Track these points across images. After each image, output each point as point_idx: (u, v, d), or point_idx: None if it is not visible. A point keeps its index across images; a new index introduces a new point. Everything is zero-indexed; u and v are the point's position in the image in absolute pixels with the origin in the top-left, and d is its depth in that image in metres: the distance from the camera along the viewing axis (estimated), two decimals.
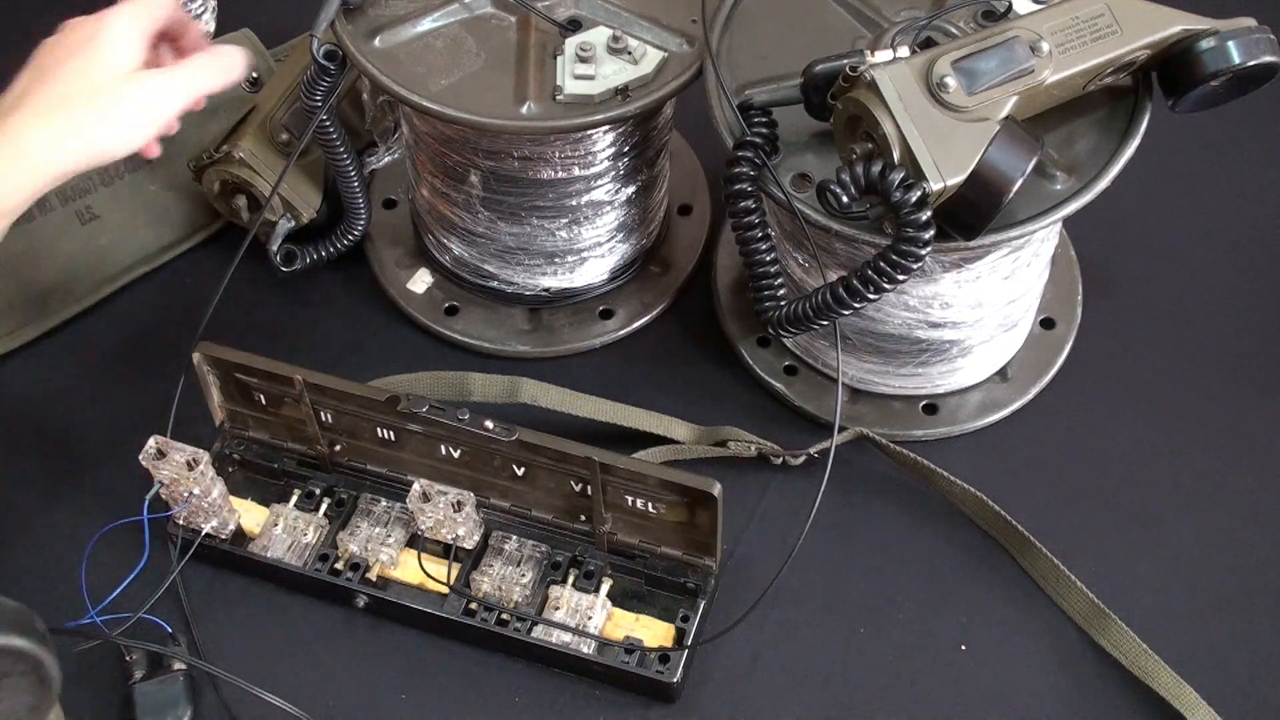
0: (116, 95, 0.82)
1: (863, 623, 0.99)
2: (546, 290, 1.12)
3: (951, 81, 0.84)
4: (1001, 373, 1.10)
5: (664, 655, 0.95)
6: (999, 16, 0.93)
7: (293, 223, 1.09)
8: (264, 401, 1.03)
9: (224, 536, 1.01)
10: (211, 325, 1.05)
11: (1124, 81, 0.92)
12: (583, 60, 0.96)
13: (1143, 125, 0.92)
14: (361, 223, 1.11)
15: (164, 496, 1.00)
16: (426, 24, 0.99)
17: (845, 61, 0.86)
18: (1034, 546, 0.99)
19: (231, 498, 1.01)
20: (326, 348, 1.13)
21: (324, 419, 1.01)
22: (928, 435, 1.07)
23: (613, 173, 1.05)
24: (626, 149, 1.04)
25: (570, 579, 0.99)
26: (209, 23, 1.28)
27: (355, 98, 1.23)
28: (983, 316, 1.01)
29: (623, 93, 0.96)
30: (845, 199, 0.85)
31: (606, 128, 1.00)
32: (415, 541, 1.00)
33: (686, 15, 1.00)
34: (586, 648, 0.95)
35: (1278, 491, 1.04)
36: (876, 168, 0.83)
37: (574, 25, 0.99)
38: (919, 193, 0.83)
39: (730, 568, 1.00)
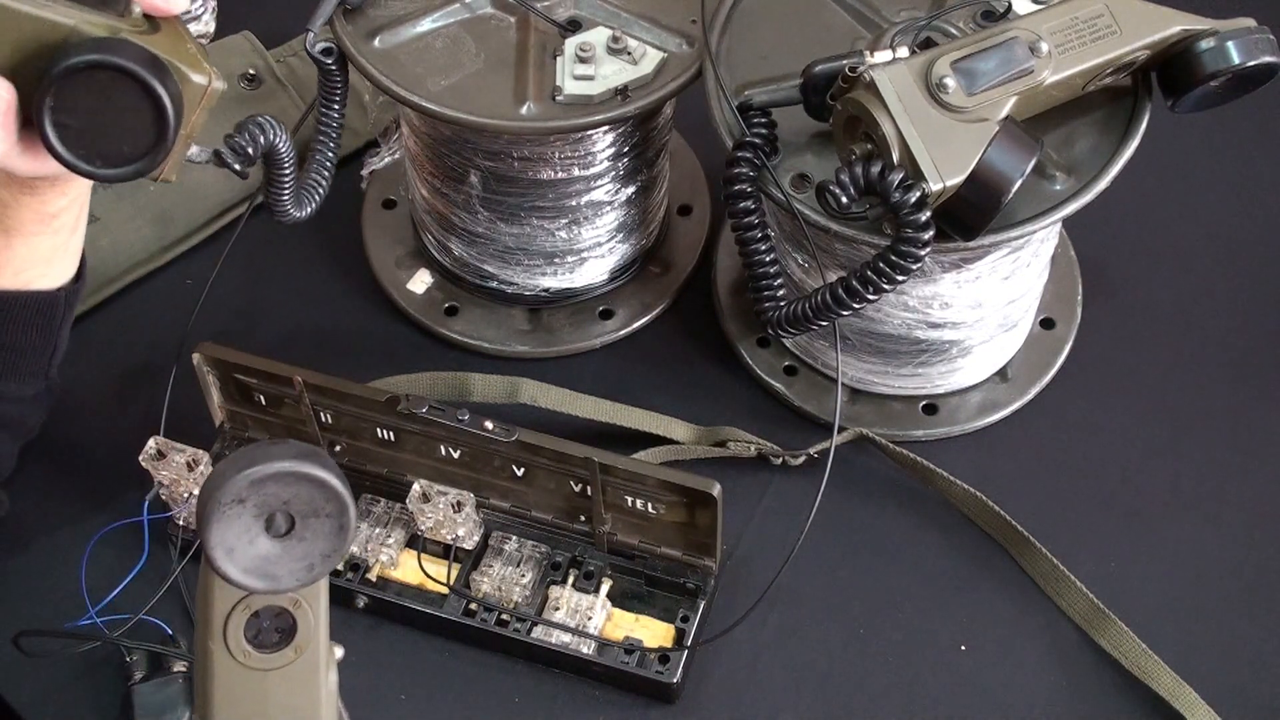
0: None
1: (863, 623, 0.99)
2: (546, 290, 1.12)
3: (951, 82, 0.84)
4: (1001, 373, 1.09)
5: (664, 655, 0.95)
6: (998, 17, 0.93)
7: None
8: (264, 402, 1.03)
9: None
10: (211, 326, 1.05)
11: (1124, 82, 0.92)
12: (582, 60, 0.96)
13: (1142, 125, 0.92)
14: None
15: (164, 497, 1.00)
16: (426, 24, 0.99)
17: (845, 62, 0.86)
18: (1034, 546, 0.99)
19: None
20: (326, 348, 1.13)
21: (324, 419, 1.01)
22: (928, 435, 1.07)
23: (612, 173, 1.05)
24: (626, 149, 1.04)
25: (570, 579, 0.99)
26: (209, 23, 1.28)
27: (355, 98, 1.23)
28: (982, 317, 1.01)
29: (622, 93, 0.96)
30: (844, 199, 0.85)
31: (606, 128, 1.00)
32: (415, 542, 1.00)
33: (686, 15, 1.00)
34: (586, 648, 0.95)
35: (1278, 491, 1.04)
36: (876, 168, 0.83)
37: (574, 25, 0.99)
38: (918, 193, 0.83)
39: (730, 568, 1.00)
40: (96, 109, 0.73)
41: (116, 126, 0.74)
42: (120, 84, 0.73)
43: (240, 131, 0.83)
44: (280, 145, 0.85)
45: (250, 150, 0.82)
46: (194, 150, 0.80)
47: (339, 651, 0.71)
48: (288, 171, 0.88)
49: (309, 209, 0.95)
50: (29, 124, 0.75)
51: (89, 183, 0.86)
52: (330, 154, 0.99)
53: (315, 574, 0.65)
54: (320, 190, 0.97)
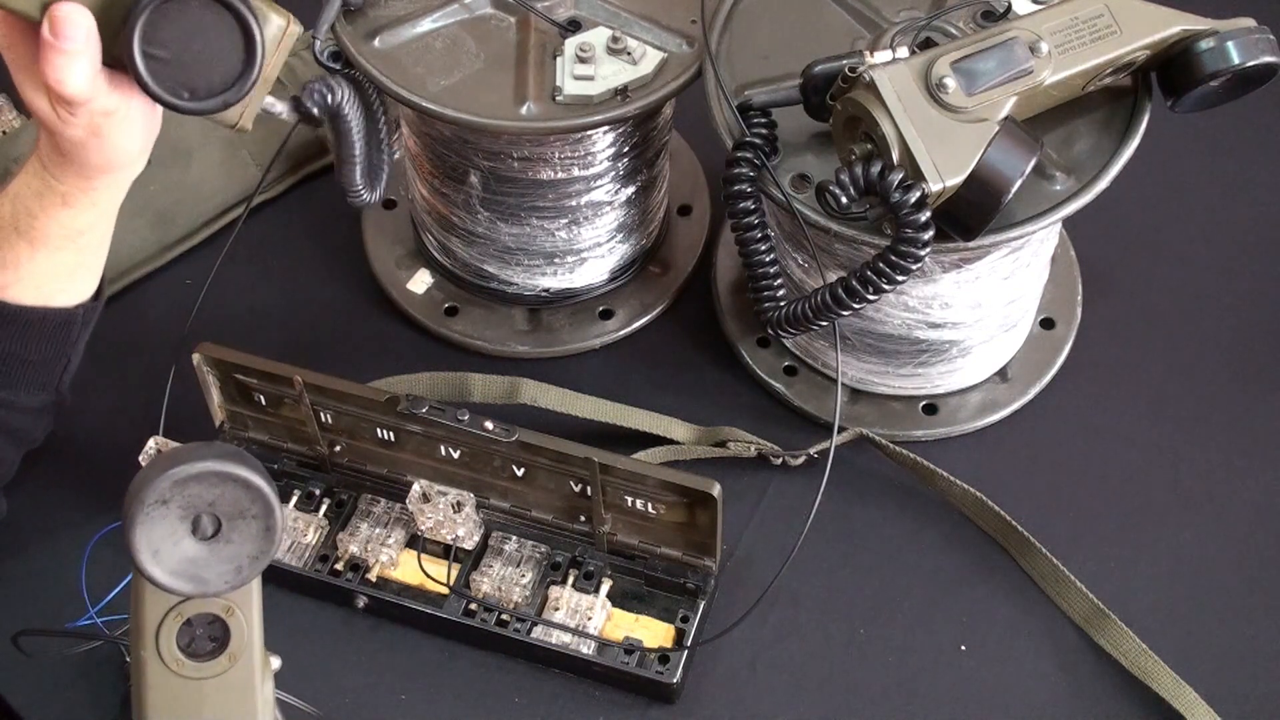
0: None
1: (863, 623, 0.99)
2: (546, 291, 1.13)
3: (951, 82, 0.84)
4: (1001, 373, 1.09)
5: (664, 656, 0.95)
6: (998, 17, 0.93)
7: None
8: (264, 402, 1.03)
9: None
10: (211, 326, 1.05)
11: (1124, 82, 0.92)
12: (582, 61, 0.96)
13: (1142, 125, 0.92)
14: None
15: None
16: (426, 25, 0.99)
17: (844, 62, 0.86)
18: (1034, 546, 0.99)
19: None
20: (326, 348, 1.13)
21: (324, 419, 1.01)
22: (927, 435, 1.07)
23: (612, 173, 1.05)
24: (626, 149, 1.04)
25: (570, 579, 0.99)
26: None
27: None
28: (982, 317, 1.01)
29: (622, 93, 0.96)
30: (844, 200, 0.85)
31: (606, 128, 1.00)
32: (415, 542, 1.00)
33: (686, 15, 1.00)
34: (586, 648, 0.95)
35: (1278, 491, 1.04)
36: (875, 168, 0.83)
37: (574, 26, 0.99)
38: (918, 193, 0.83)
39: (730, 568, 1.00)
40: (185, 39, 0.76)
41: (205, 57, 0.77)
42: (210, 12, 0.75)
43: (315, 83, 0.85)
44: (346, 106, 0.86)
45: (329, 99, 0.85)
46: (269, 100, 0.82)
47: (275, 662, 0.71)
48: (355, 138, 0.89)
49: (378, 191, 0.96)
50: (115, 65, 0.77)
51: (119, 197, 0.87)
52: (383, 136, 0.99)
53: (243, 576, 0.64)
54: (385, 169, 0.98)
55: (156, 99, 0.77)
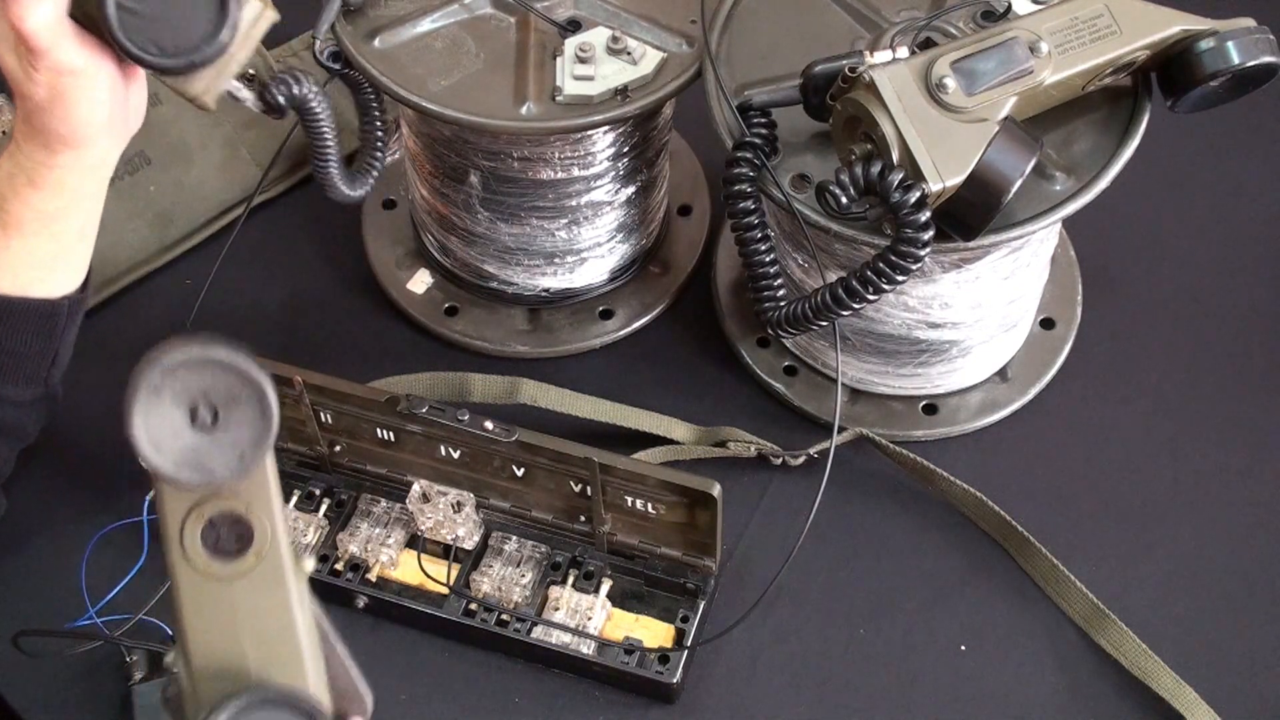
0: None
1: (863, 623, 0.99)
2: (546, 291, 1.13)
3: (950, 82, 0.84)
4: (1001, 373, 1.10)
5: (664, 656, 0.95)
6: (998, 17, 0.93)
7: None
8: None
9: None
10: (211, 326, 1.05)
11: (1123, 82, 0.92)
12: (582, 61, 0.96)
13: (1142, 125, 0.92)
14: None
15: None
16: (426, 25, 0.99)
17: (844, 62, 0.86)
18: (1034, 546, 1.00)
19: None
20: (326, 348, 1.13)
21: (324, 419, 1.01)
22: (928, 435, 1.07)
23: (612, 173, 1.05)
24: (626, 149, 1.04)
25: (570, 579, 0.99)
26: None
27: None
28: (982, 317, 1.01)
29: (622, 93, 0.96)
30: (844, 200, 0.85)
31: (606, 128, 1.00)
32: (415, 542, 1.00)
33: (686, 15, 1.00)
34: (586, 648, 0.95)
35: (1278, 491, 1.04)
36: (875, 168, 0.83)
37: (573, 26, 0.99)
38: (918, 193, 0.83)
39: (730, 568, 1.01)
40: None
41: (176, 15, 0.77)
42: None
43: (284, 74, 0.86)
44: (313, 99, 0.87)
45: (294, 90, 0.86)
46: (235, 84, 0.83)
47: (310, 563, 0.71)
48: (326, 132, 0.90)
49: (363, 189, 0.96)
50: (86, 23, 0.77)
51: (87, 184, 0.86)
52: (379, 133, 1.00)
53: (247, 463, 0.64)
54: (375, 169, 0.98)
55: (124, 50, 0.77)
